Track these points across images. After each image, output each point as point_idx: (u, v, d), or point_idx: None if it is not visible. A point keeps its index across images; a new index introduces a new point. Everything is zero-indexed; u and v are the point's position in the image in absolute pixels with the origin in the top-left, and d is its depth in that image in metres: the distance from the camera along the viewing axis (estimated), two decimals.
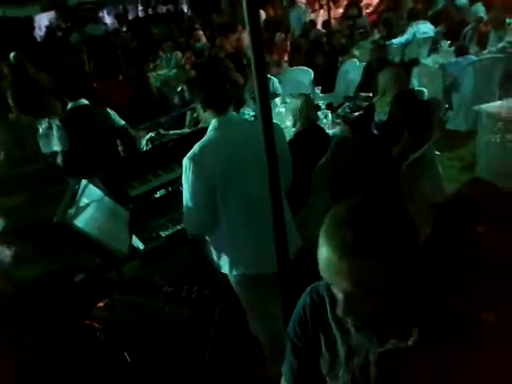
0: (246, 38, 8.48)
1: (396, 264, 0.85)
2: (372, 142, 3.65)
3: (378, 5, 9.71)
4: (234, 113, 2.06)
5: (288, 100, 4.00)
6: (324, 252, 0.88)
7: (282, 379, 1.24)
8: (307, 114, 3.25)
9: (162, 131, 3.83)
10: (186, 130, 3.85)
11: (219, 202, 1.94)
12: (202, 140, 1.98)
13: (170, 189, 3.00)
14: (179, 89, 6.19)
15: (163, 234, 2.48)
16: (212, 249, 2.11)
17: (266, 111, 1.52)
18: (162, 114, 4.78)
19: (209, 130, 2.01)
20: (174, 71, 6.71)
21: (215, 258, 2.11)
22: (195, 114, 4.02)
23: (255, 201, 1.91)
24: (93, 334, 1.79)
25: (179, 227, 2.53)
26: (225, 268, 2.07)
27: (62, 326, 2.02)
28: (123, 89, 5.94)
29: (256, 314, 2.26)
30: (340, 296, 0.90)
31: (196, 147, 1.94)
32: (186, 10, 14.64)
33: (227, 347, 2.35)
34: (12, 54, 6.62)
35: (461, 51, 5.47)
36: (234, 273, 2.05)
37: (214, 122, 1.99)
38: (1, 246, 3.33)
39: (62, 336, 1.93)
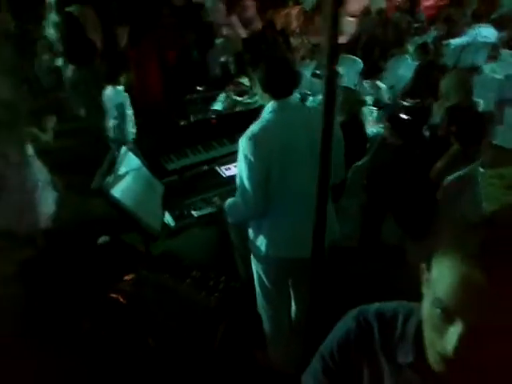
0: (293, 14, 8.18)
1: None
2: (416, 147, 3.51)
3: None
4: (293, 97, 2.01)
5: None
6: (453, 276, 0.79)
7: None
8: (349, 108, 3.13)
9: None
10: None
11: (273, 186, 1.92)
12: (260, 121, 1.96)
13: (206, 167, 2.94)
14: (222, 59, 6.04)
15: (195, 213, 2.44)
16: (252, 229, 2.08)
17: (330, 101, 1.37)
18: (201, 84, 4.67)
19: (267, 111, 1.98)
20: (220, 40, 6.52)
21: (252, 238, 2.08)
22: (230, 99, 3.85)
23: (306, 186, 1.82)
24: (117, 308, 1.78)
25: (212, 209, 2.49)
26: (261, 249, 2.03)
27: (83, 290, 2.03)
28: (162, 52, 5.77)
29: (269, 299, 2.23)
30: (459, 329, 0.80)
31: (255, 127, 1.92)
32: None
33: (234, 329, 2.34)
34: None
35: None
36: (271, 254, 2.02)
37: (272, 104, 1.96)
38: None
39: (84, 303, 1.93)
